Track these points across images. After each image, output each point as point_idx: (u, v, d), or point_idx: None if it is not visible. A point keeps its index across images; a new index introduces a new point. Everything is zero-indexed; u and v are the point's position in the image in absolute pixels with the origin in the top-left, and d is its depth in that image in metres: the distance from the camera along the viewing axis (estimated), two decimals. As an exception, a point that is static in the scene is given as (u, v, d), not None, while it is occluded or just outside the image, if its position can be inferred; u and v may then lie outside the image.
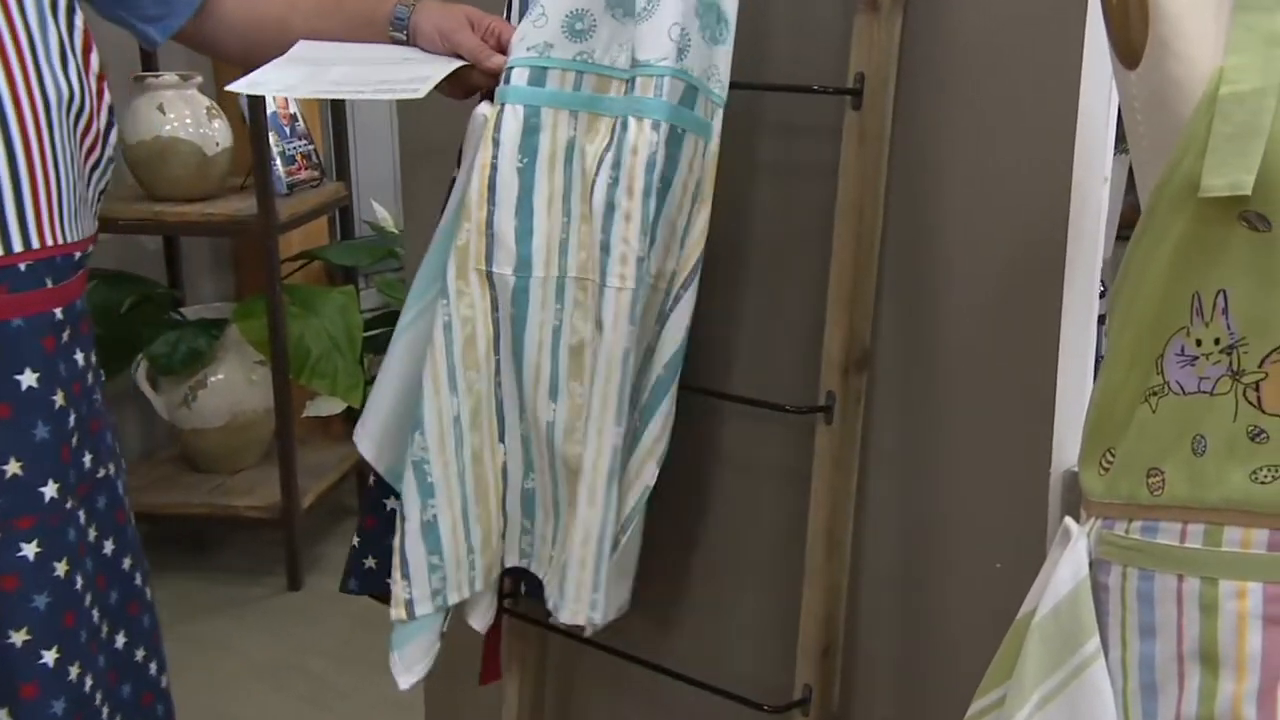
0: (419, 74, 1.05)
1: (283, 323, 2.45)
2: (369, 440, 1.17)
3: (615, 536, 1.10)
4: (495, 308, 1.10)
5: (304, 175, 2.61)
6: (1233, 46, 0.72)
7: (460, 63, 1.08)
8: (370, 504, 1.23)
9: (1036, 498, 1.07)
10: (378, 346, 2.91)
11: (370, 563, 1.22)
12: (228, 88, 1.09)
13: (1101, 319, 1.09)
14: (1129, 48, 0.79)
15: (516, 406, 1.12)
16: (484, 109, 1.09)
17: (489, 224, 1.08)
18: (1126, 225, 1.04)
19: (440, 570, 1.13)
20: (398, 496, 1.15)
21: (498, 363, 1.12)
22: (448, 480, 1.11)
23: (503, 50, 1.08)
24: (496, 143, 1.07)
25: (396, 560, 1.12)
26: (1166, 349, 0.79)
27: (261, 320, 2.45)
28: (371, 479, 1.21)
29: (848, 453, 1.15)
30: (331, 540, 2.78)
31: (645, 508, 1.12)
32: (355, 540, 1.24)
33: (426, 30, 1.09)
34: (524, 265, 1.08)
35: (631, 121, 1.02)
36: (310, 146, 2.64)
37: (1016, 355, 1.07)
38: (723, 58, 1.05)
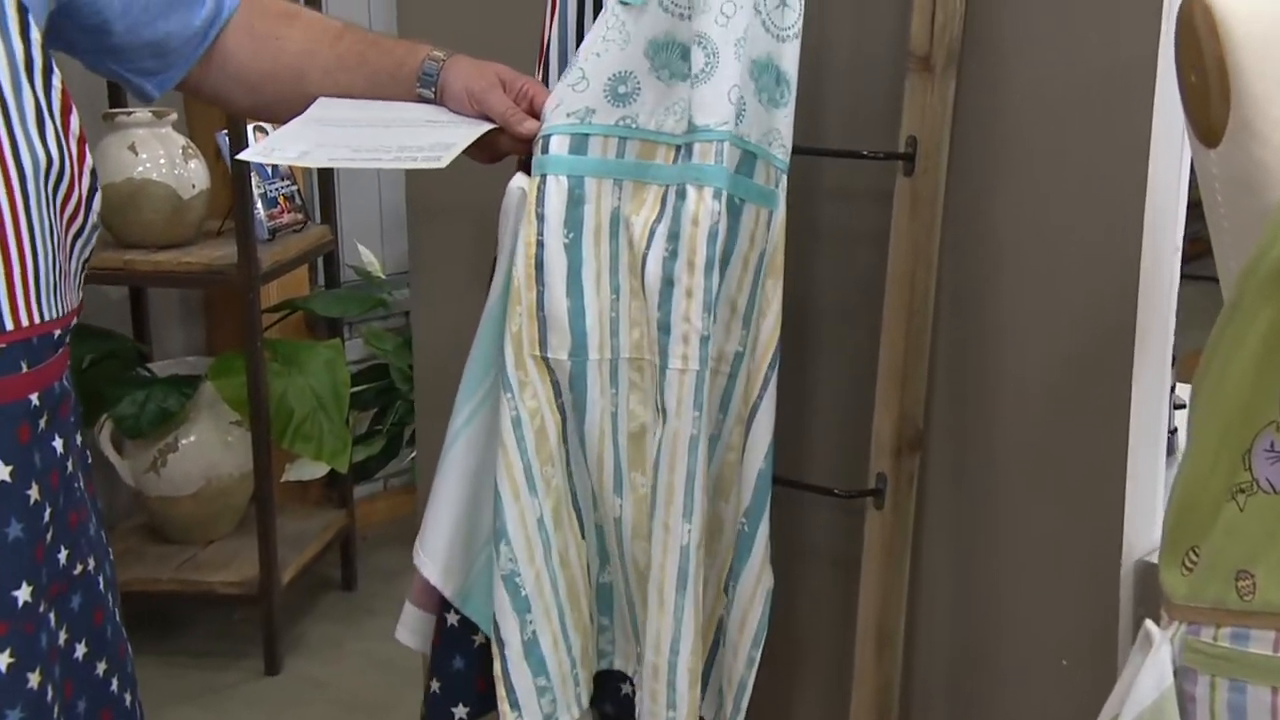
0: (443, 139, 1.07)
1: (263, 380, 2.47)
2: (434, 562, 1.16)
3: (704, 643, 1.10)
4: (558, 393, 1.12)
5: (287, 219, 2.65)
6: (1320, 130, 0.76)
7: (488, 126, 1.10)
8: (451, 646, 1.19)
9: (1106, 591, 1.10)
10: (364, 403, 2.93)
11: (461, 713, 1.19)
12: (238, 157, 1.11)
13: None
14: (1208, 127, 0.83)
15: (590, 496, 1.14)
16: (521, 182, 1.11)
17: (540, 306, 1.10)
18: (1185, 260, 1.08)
19: (550, 692, 1.14)
20: (479, 632, 1.16)
21: (567, 452, 1.14)
22: (541, 591, 1.12)
23: (535, 114, 1.11)
24: (541, 218, 1.09)
25: (501, 690, 1.12)
26: (1255, 444, 0.81)
27: (240, 378, 2.47)
28: (453, 619, 1.18)
29: (900, 540, 1.17)
30: (312, 618, 2.79)
31: (768, 616, 1.12)
32: (434, 686, 1.20)
33: (456, 90, 1.12)
34: (579, 348, 1.11)
35: (690, 190, 1.05)
36: (293, 187, 2.68)
37: (1083, 436, 1.10)
38: (783, 121, 1.09)
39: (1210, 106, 0.82)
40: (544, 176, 1.09)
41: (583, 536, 1.15)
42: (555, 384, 1.12)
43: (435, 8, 1.48)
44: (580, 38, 1.19)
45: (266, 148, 1.09)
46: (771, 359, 1.10)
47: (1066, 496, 1.12)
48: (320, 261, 2.90)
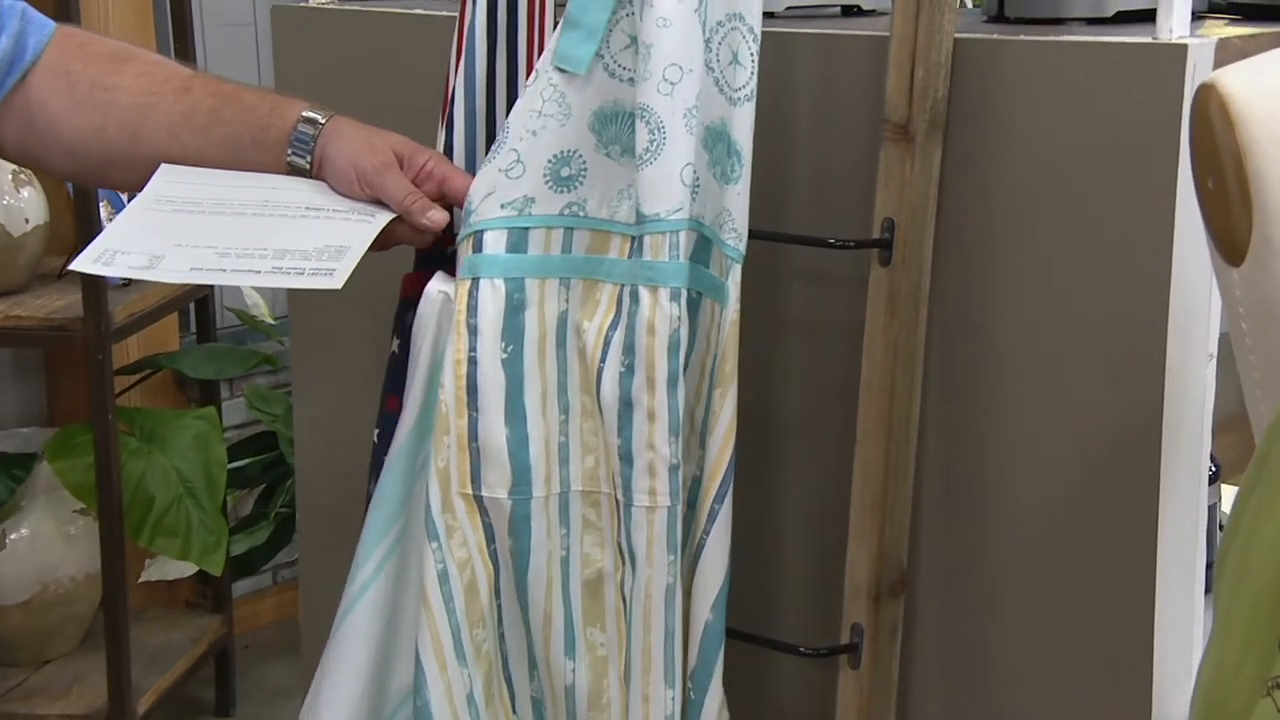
0: (332, 240, 1.06)
1: (115, 461, 2.47)
2: None
3: None
4: (490, 538, 1.14)
5: (146, 258, 2.65)
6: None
7: (387, 218, 1.10)
8: None
9: (1130, 770, 1.12)
10: (246, 480, 2.93)
11: None
12: (71, 267, 1.08)
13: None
14: (1229, 241, 0.86)
15: (525, 660, 1.16)
16: (443, 285, 1.13)
17: (472, 436, 1.11)
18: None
19: None
20: None
21: (499, 609, 1.15)
22: None
23: (441, 198, 1.12)
24: (474, 330, 1.10)
25: None
26: (1289, 630, 0.83)
27: (86, 457, 2.47)
28: None
29: (881, 705, 1.19)
30: (179, 755, 2.78)
31: None
32: None
33: (340, 166, 1.12)
34: (521, 484, 1.12)
35: (644, 293, 1.08)
36: (155, 219, 2.68)
37: (1100, 577, 1.13)
38: (735, 200, 1.11)
39: (1230, 218, 0.85)
40: (475, 280, 1.11)
41: (514, 712, 1.17)
42: (487, 527, 1.13)
43: (316, 57, 1.50)
44: (490, 90, 1.22)
45: (104, 250, 1.06)
46: (720, 486, 1.12)
47: (1081, 650, 1.14)
48: (192, 307, 2.90)
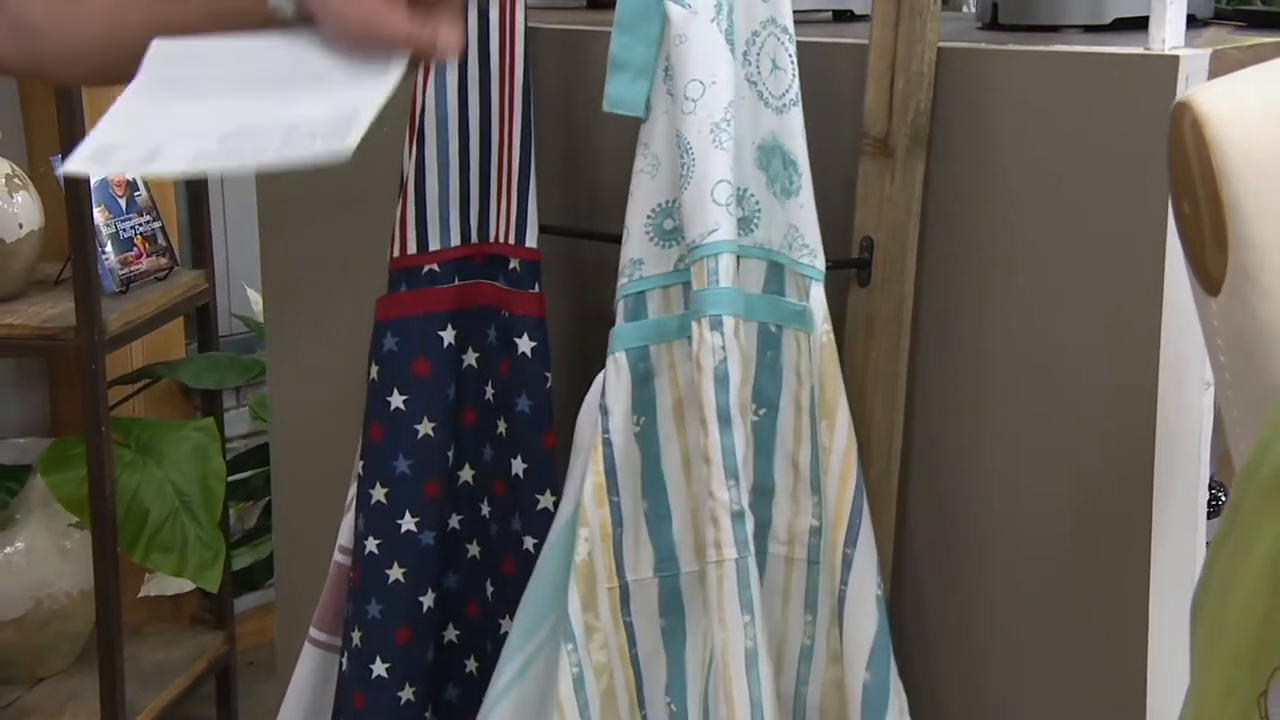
0: (344, 105, 0.94)
1: (109, 474, 2.47)
2: None
3: None
4: (633, 642, 1.11)
5: (145, 265, 2.66)
6: (1336, 290, 0.76)
7: (399, 69, 0.96)
8: None
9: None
10: (250, 491, 2.93)
11: None
12: (62, 170, 0.96)
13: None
14: (1207, 271, 0.83)
15: None
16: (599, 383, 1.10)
17: (616, 522, 1.09)
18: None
19: None
20: None
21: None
22: None
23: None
24: (605, 410, 1.08)
25: None
26: (1271, 687, 0.81)
27: (79, 471, 2.48)
28: None
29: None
30: (174, 777, 2.78)
31: None
32: None
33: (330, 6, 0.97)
34: (667, 560, 1.10)
35: (692, 327, 1.05)
36: (156, 225, 2.69)
37: (1091, 619, 1.10)
38: (800, 213, 1.08)
39: (1206, 246, 0.82)
40: (609, 359, 1.09)
41: None
42: (629, 628, 1.10)
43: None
44: (463, 100, 1.20)
45: (98, 147, 0.94)
46: (850, 529, 1.07)
47: (1072, 688, 1.12)
48: (196, 315, 2.90)
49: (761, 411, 1.09)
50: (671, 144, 1.06)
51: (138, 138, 0.94)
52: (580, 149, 1.30)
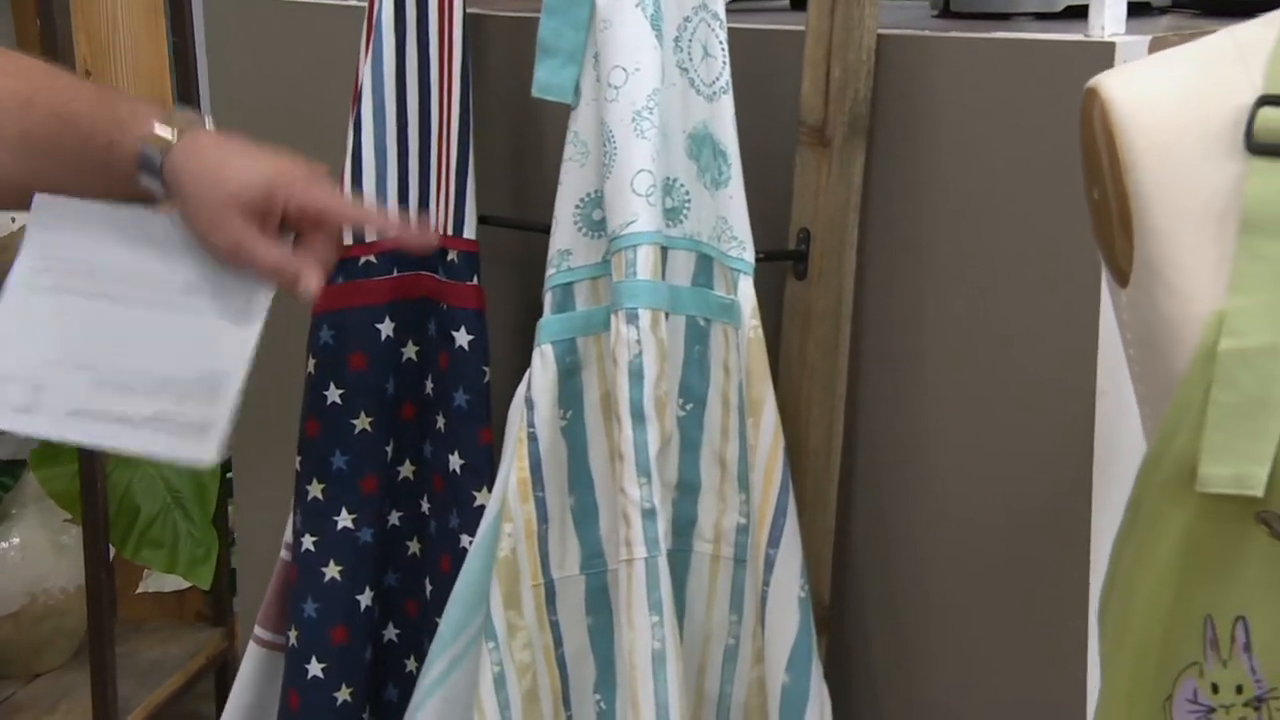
0: (207, 361, 1.02)
1: (99, 469, 2.49)
2: None
3: None
4: (559, 642, 1.10)
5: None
6: (1236, 283, 0.74)
7: (263, 309, 1.04)
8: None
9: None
10: (249, 488, 2.94)
11: None
12: None
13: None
14: (1114, 261, 0.82)
15: None
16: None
17: (541, 518, 1.07)
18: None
19: None
20: None
21: None
22: None
23: (326, 228, 1.04)
24: (530, 404, 1.07)
25: None
26: (1177, 690, 0.79)
27: (71, 465, 2.49)
28: None
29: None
30: (168, 778, 2.79)
31: None
32: None
33: (198, 210, 1.02)
34: (594, 556, 1.08)
35: (612, 320, 1.03)
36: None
37: (1032, 621, 1.09)
38: (729, 204, 1.07)
39: (1115, 236, 0.81)
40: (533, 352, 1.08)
41: None
42: (555, 626, 1.09)
43: (248, 48, 1.49)
44: (401, 85, 1.20)
45: None
46: (773, 529, 1.05)
47: (1012, 696, 1.10)
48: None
49: (689, 407, 1.07)
50: (598, 132, 1.05)
51: (24, 360, 1.02)
52: (529, 138, 1.29)
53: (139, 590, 2.75)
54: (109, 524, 2.49)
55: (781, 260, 1.10)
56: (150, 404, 1.02)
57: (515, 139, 1.30)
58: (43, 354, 1.04)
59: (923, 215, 1.10)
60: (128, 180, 1.04)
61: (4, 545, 2.61)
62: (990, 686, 1.12)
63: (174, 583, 2.77)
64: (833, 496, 1.13)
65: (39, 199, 1.07)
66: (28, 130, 1.04)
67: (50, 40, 2.05)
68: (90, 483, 2.45)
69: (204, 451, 1.02)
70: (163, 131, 1.04)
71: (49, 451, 2.56)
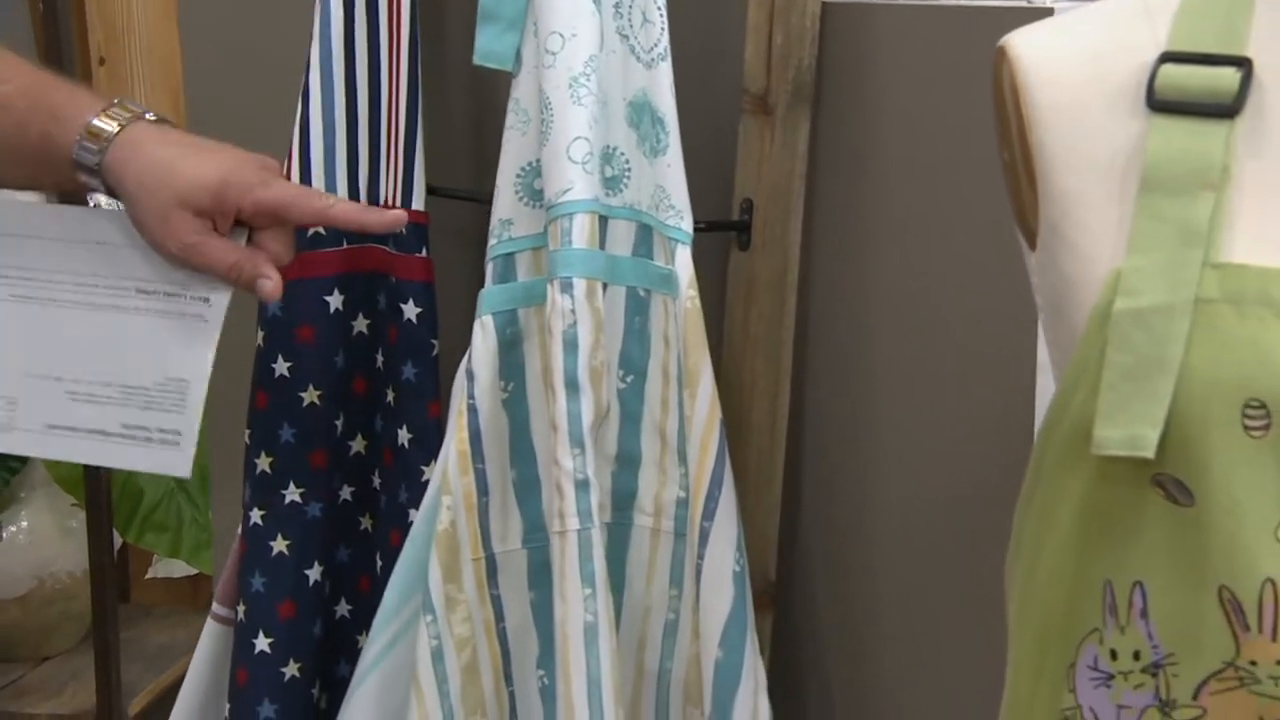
0: (171, 367, 1.01)
1: (105, 454, 2.51)
2: None
3: None
4: (500, 616, 1.09)
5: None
6: (1135, 242, 0.73)
7: (222, 305, 1.02)
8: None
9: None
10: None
11: None
12: None
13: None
14: (1024, 222, 0.81)
15: None
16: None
17: (481, 490, 1.07)
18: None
19: None
20: None
21: (511, 697, 1.11)
22: None
23: (283, 223, 1.01)
24: (470, 375, 1.07)
25: None
26: (1079, 657, 0.79)
27: (75, 450, 2.51)
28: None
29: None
30: (177, 761, 2.81)
31: None
32: None
33: (144, 211, 0.98)
34: (536, 530, 1.08)
35: (548, 289, 1.03)
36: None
37: (980, 594, 1.08)
38: (667, 172, 1.07)
39: (1024, 198, 0.80)
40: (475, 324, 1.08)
41: None
42: (496, 600, 1.09)
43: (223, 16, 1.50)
44: (350, 55, 1.20)
45: None
46: (708, 501, 1.05)
47: (959, 672, 1.09)
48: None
49: (629, 379, 1.07)
50: (539, 100, 1.05)
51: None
52: (490, 110, 1.29)
53: (148, 575, 2.78)
54: (113, 509, 2.52)
55: (724, 231, 1.10)
56: (119, 414, 1.02)
57: (475, 111, 1.31)
58: (14, 366, 1.03)
59: (870, 185, 1.09)
60: (65, 174, 1.00)
61: (12, 529, 2.65)
62: (937, 661, 1.11)
63: (183, 568, 2.79)
64: (778, 472, 1.12)
65: None
66: None
67: (51, 26, 2.08)
68: (94, 468, 2.48)
69: (177, 464, 1.02)
70: (102, 124, 0.98)
71: (54, 435, 2.59)
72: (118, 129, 0.98)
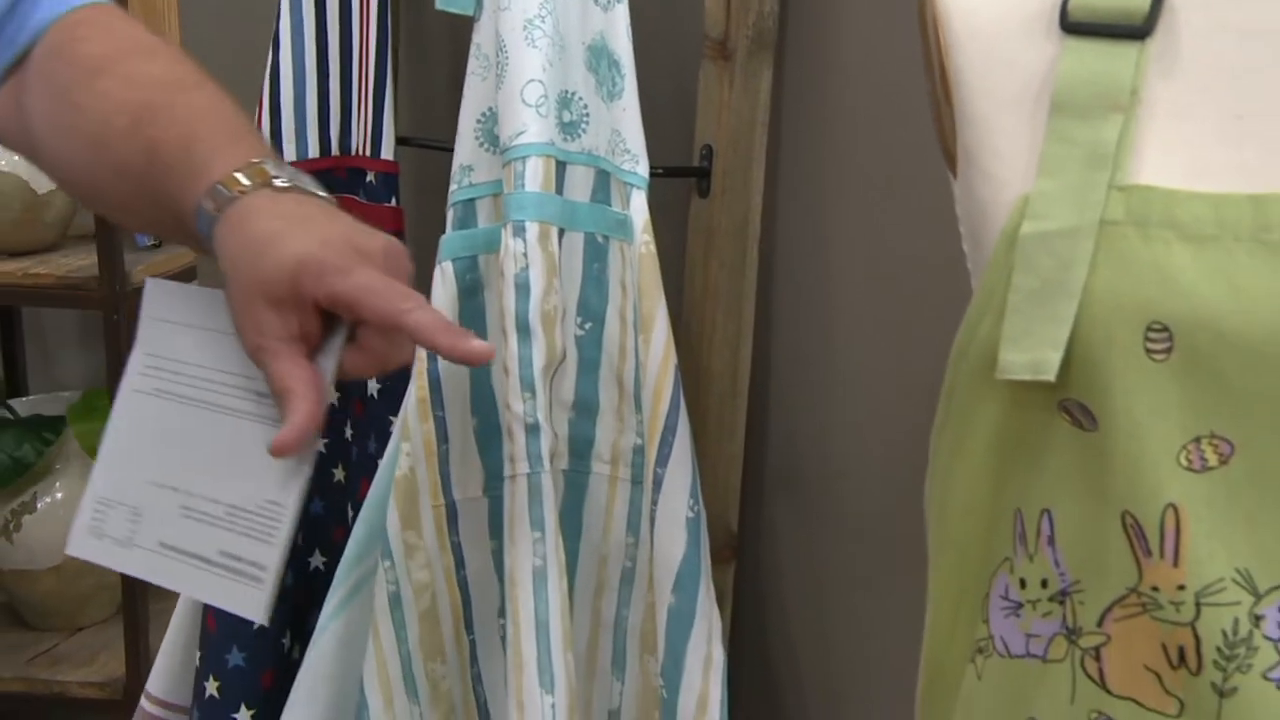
0: (267, 489, 0.86)
1: (135, 426, 2.55)
2: None
3: None
4: (460, 563, 1.10)
5: (180, 219, 2.73)
6: (1043, 166, 0.73)
7: (314, 455, 0.87)
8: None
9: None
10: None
11: None
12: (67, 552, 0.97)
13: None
14: (949, 153, 0.81)
15: (514, 699, 1.02)
16: None
17: (441, 438, 1.08)
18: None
19: None
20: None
21: (473, 644, 1.11)
22: None
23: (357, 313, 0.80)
24: None
25: None
26: (992, 587, 0.78)
27: (104, 422, 2.55)
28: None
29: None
30: (208, 730, 2.85)
31: None
32: None
33: (233, 294, 0.82)
34: (497, 479, 1.08)
35: (501, 233, 1.03)
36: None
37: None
38: (623, 116, 1.07)
39: (945, 124, 0.80)
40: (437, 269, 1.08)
41: None
42: (456, 548, 1.09)
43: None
44: (321, 10, 1.22)
45: (100, 502, 0.95)
46: (661, 447, 1.05)
47: (923, 608, 1.09)
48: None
49: (588, 325, 1.07)
50: (495, 43, 1.06)
51: (126, 482, 0.92)
52: (465, 59, 1.30)
53: (182, 550, 2.82)
54: (142, 479, 2.56)
55: (684, 177, 1.10)
56: (220, 539, 0.89)
57: (454, 61, 1.32)
58: (143, 472, 0.93)
59: (835, 133, 1.09)
60: (192, 236, 0.86)
61: (47, 500, 2.69)
62: (902, 610, 1.11)
63: (217, 543, 2.84)
64: (740, 422, 1.13)
65: (150, 284, 0.93)
66: (125, 159, 0.89)
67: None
68: (124, 437, 2.52)
69: (257, 606, 0.86)
70: (223, 187, 0.83)
71: (86, 407, 2.63)
72: (236, 195, 0.83)
